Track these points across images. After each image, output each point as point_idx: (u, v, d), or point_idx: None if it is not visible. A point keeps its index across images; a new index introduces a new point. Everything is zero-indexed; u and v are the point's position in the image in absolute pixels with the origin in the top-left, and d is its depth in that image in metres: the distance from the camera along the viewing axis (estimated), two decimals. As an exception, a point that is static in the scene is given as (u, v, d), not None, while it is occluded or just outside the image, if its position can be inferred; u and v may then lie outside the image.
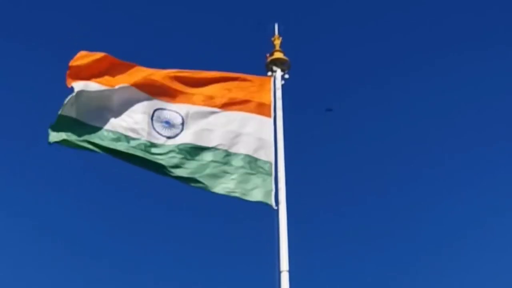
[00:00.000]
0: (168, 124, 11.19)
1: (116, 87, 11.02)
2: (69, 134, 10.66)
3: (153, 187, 19.55)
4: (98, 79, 10.99)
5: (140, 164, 10.91)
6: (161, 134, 11.10)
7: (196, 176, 10.91)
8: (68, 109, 10.67)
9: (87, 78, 10.92)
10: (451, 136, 24.22)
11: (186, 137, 11.15)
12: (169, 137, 11.11)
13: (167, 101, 11.30)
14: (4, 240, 22.95)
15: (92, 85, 10.89)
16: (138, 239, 23.26)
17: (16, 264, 22.94)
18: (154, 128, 11.10)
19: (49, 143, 10.60)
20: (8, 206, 23.55)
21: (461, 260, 22.53)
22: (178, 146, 11.03)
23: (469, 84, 24.31)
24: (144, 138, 10.96)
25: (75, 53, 11.03)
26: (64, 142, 10.66)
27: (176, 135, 11.14)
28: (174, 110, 11.26)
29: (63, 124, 10.65)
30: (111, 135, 10.85)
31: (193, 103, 11.38)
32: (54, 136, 10.62)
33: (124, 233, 23.56)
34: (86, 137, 10.71)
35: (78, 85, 10.76)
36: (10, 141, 24.64)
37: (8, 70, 25.25)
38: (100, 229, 23.54)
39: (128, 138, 10.90)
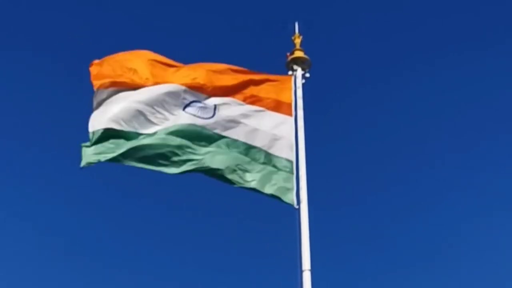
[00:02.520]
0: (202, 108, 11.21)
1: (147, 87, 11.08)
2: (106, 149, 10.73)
3: (170, 185, 19.66)
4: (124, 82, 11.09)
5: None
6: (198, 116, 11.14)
7: (221, 170, 10.93)
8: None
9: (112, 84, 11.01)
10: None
11: (215, 124, 11.17)
12: (205, 118, 11.14)
13: (199, 93, 11.30)
14: (5, 241, 23.16)
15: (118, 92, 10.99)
16: (153, 239, 23.37)
17: (18, 265, 23.09)
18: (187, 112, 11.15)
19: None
20: (9, 206, 23.74)
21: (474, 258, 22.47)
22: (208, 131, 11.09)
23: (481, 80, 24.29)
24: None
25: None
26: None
27: (210, 117, 11.17)
28: (205, 101, 11.27)
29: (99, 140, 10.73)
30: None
31: (221, 96, 11.38)
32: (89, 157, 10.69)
33: (145, 235, 23.61)
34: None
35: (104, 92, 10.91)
36: (10, 141, 24.79)
37: (7, 70, 25.36)
38: (104, 230, 23.67)
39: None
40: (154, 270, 22.86)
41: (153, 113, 10.96)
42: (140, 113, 10.89)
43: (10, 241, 23.25)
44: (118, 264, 23.35)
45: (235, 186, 10.89)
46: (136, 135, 10.83)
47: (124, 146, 10.71)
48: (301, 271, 10.25)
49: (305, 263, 10.27)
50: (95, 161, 10.62)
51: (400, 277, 22.14)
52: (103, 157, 10.62)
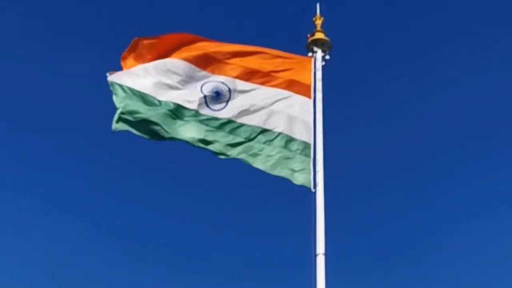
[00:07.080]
0: (217, 95, 11.16)
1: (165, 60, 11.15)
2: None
3: (188, 167, 19.69)
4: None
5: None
6: (210, 107, 11.07)
7: (240, 154, 10.89)
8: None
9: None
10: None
11: (229, 113, 11.12)
12: (216, 110, 11.07)
13: (216, 74, 11.25)
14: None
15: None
16: (170, 218, 23.43)
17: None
18: (205, 101, 11.08)
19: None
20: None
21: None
22: (221, 120, 11.02)
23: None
24: (195, 108, 11.02)
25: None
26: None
27: (222, 108, 11.10)
28: (222, 82, 11.22)
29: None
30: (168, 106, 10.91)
31: (238, 78, 11.32)
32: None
33: (161, 213, 23.67)
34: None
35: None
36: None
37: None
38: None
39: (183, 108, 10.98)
40: (173, 249, 23.02)
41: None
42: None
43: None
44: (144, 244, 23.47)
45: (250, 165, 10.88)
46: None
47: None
48: (315, 255, 10.21)
49: (320, 247, 10.22)
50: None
51: (415, 263, 22.11)
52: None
